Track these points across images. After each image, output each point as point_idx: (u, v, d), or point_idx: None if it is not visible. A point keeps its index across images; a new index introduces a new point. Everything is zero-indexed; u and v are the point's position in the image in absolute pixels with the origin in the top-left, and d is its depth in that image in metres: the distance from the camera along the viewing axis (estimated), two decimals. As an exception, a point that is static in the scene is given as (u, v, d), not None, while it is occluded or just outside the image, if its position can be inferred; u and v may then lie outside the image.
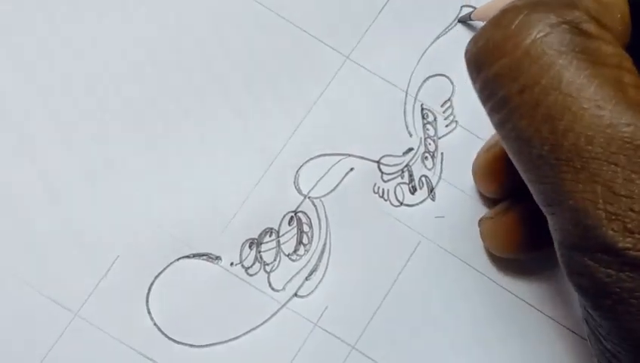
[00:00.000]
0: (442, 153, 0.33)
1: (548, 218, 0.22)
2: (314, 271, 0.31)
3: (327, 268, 0.31)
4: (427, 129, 0.33)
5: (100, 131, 0.32)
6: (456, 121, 0.33)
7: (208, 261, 0.31)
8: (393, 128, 0.33)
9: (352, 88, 0.33)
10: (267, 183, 0.32)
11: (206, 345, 0.30)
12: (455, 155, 0.33)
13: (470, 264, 0.32)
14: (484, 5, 0.32)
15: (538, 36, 0.21)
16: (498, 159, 0.30)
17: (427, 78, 0.34)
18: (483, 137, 0.33)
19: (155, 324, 0.30)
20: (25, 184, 0.31)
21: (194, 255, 0.31)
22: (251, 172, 0.32)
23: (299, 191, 0.32)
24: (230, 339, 0.30)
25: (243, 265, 0.31)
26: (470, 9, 0.34)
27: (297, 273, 0.31)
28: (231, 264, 0.31)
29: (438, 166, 0.33)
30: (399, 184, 0.32)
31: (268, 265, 0.31)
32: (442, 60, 0.34)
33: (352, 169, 0.32)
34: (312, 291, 0.31)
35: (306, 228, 0.32)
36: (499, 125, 0.22)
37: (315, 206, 0.32)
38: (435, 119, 0.33)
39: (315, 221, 0.32)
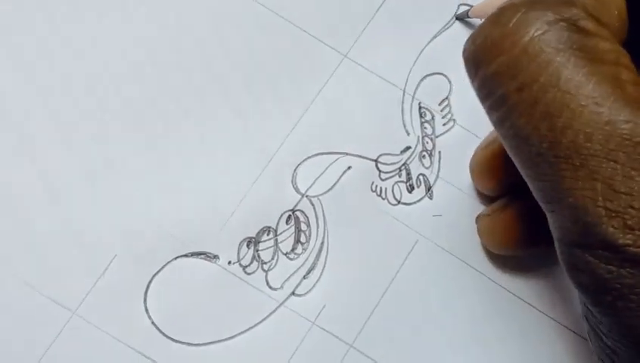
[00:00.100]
0: (439, 152, 0.33)
1: (548, 215, 0.21)
2: (312, 269, 0.31)
3: (324, 266, 0.31)
4: (425, 128, 0.33)
5: (100, 131, 0.31)
6: (454, 119, 0.33)
7: (206, 260, 0.30)
8: (390, 126, 0.33)
9: (349, 87, 0.33)
10: (265, 182, 0.31)
11: (204, 344, 0.30)
12: (452, 153, 0.32)
13: (468, 262, 0.32)
14: (482, 3, 0.32)
15: (536, 34, 0.20)
16: (495, 157, 0.30)
17: (425, 76, 0.33)
18: (481, 135, 0.32)
19: (153, 323, 0.30)
20: (25, 184, 0.30)
21: (192, 254, 0.30)
22: (249, 171, 0.31)
23: (297, 190, 0.32)
24: (228, 338, 0.30)
25: (240, 264, 0.31)
26: (468, 7, 0.33)
27: (295, 272, 0.31)
28: (229, 263, 0.31)
29: (435, 165, 0.32)
30: (396, 182, 0.32)
31: (265, 263, 0.31)
32: (439, 59, 0.33)
33: (349, 168, 0.32)
34: (310, 290, 0.31)
35: (303, 226, 0.31)
36: (498, 123, 0.22)
37: (312, 204, 0.31)
38: (432, 117, 0.33)
39: (312, 220, 0.31)
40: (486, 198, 0.32)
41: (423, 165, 0.32)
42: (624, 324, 0.20)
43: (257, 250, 0.31)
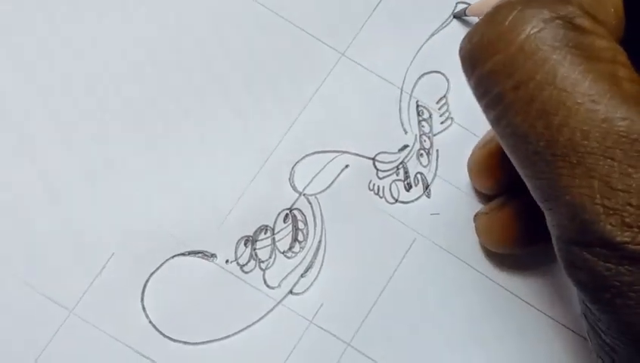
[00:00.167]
0: (437, 150, 0.32)
1: (546, 213, 0.21)
2: (309, 268, 0.31)
3: (322, 265, 0.31)
4: (423, 126, 0.32)
5: (100, 131, 0.31)
6: (451, 118, 0.33)
7: (203, 258, 0.30)
8: (388, 125, 0.32)
9: (347, 85, 0.32)
10: (262, 180, 0.31)
11: (202, 343, 0.29)
12: (450, 152, 0.32)
13: (466, 261, 0.31)
14: (479, 1, 0.32)
15: (532, 32, 0.20)
16: (493, 156, 0.29)
17: (423, 75, 0.33)
18: (479, 134, 0.32)
19: (150, 322, 0.29)
20: (24, 184, 0.30)
21: (189, 253, 0.30)
22: (246, 170, 0.31)
23: (295, 188, 0.31)
24: (225, 337, 0.30)
25: (238, 263, 0.30)
26: (465, 5, 0.33)
27: (292, 270, 0.30)
28: (227, 261, 0.30)
29: (433, 163, 0.32)
30: (394, 181, 0.32)
31: (263, 262, 0.30)
32: (437, 57, 0.33)
33: (347, 166, 0.32)
34: (308, 288, 0.30)
35: (301, 225, 0.31)
36: (495, 121, 0.22)
37: (310, 203, 0.31)
38: (430, 116, 0.32)
39: (310, 219, 0.31)
40: (483, 196, 0.32)
41: (420, 163, 0.32)
42: (623, 322, 0.20)
43: (255, 249, 0.30)
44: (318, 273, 0.30)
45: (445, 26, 0.33)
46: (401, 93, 0.32)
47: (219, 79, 0.32)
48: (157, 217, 0.30)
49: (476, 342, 0.30)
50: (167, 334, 0.29)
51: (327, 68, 0.32)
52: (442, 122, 0.32)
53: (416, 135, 0.32)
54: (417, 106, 0.32)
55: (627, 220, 0.19)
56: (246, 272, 0.30)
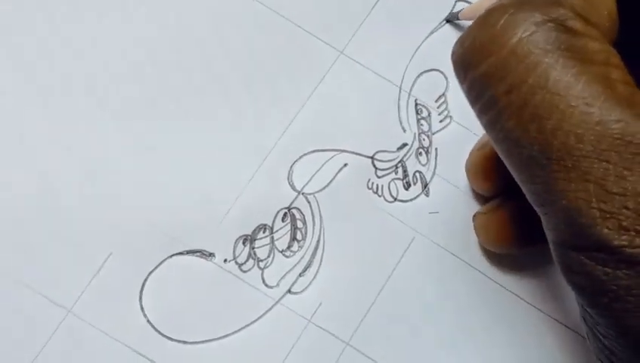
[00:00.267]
0: (436, 149, 0.32)
1: (542, 217, 0.21)
2: (308, 267, 0.30)
3: (320, 264, 0.30)
4: (421, 125, 0.32)
5: (99, 131, 0.31)
6: (450, 116, 0.32)
7: (202, 257, 0.30)
8: (386, 123, 0.32)
9: (345, 84, 0.32)
10: (261, 179, 0.31)
11: (200, 342, 0.29)
12: (449, 150, 0.32)
13: (465, 259, 0.31)
14: (472, 5, 0.32)
15: (523, 35, 0.20)
16: (490, 158, 0.29)
17: (421, 73, 0.32)
18: (478, 132, 0.32)
19: (148, 321, 0.29)
20: (24, 184, 0.30)
21: (188, 252, 0.30)
22: (245, 169, 0.31)
23: (293, 187, 0.31)
24: (224, 336, 0.29)
25: (236, 262, 0.30)
26: (465, 4, 0.32)
27: (291, 269, 0.30)
28: (225, 260, 0.30)
29: (432, 162, 0.32)
30: (393, 179, 0.31)
31: (261, 261, 0.30)
32: (436, 55, 0.32)
33: (345, 165, 0.31)
34: (306, 287, 0.30)
35: (299, 224, 0.30)
36: (488, 126, 0.21)
37: (308, 202, 0.31)
38: (429, 114, 0.32)
39: (308, 218, 0.31)
40: (482, 196, 0.31)
41: (419, 162, 0.32)
42: (621, 325, 0.19)
43: (253, 248, 0.30)
44: (317, 272, 0.30)
45: (445, 24, 0.33)
46: (400, 91, 0.32)
47: (219, 78, 0.31)
48: (156, 216, 0.30)
49: (475, 340, 0.30)
50: (165, 333, 0.29)
51: (326, 66, 0.32)
52: (441, 121, 0.32)
53: (415, 134, 0.32)
54: (416, 104, 0.32)
55: (624, 223, 0.18)
56: (244, 271, 0.30)
